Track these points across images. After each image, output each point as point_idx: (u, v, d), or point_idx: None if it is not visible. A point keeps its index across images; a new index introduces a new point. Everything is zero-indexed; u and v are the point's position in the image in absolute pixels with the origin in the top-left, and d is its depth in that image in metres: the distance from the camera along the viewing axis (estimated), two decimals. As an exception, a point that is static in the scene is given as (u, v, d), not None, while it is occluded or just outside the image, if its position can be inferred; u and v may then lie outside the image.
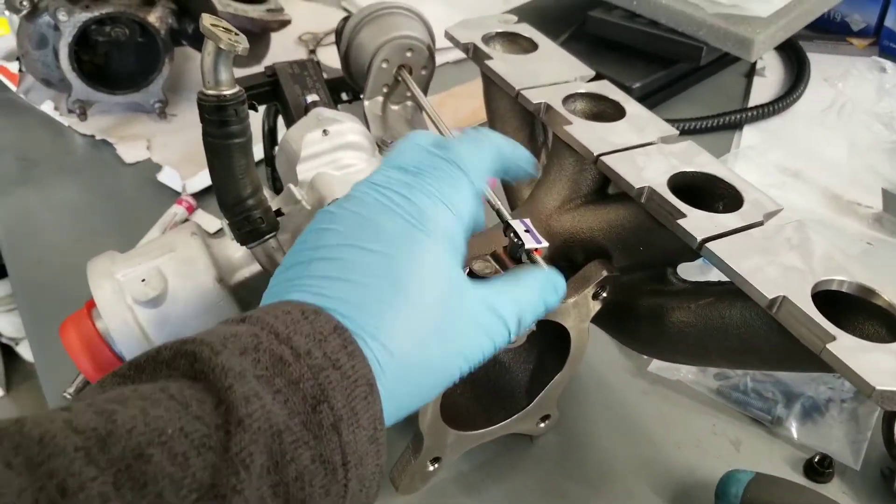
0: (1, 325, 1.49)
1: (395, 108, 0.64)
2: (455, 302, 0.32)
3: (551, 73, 0.53)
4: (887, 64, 0.95)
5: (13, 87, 0.90)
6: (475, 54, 0.56)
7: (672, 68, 0.88)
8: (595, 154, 0.44)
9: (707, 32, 0.83)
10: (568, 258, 0.47)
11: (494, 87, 0.54)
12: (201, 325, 0.45)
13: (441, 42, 0.61)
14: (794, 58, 0.96)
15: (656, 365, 0.57)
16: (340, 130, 0.52)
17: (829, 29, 1.01)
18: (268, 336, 0.27)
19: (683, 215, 0.39)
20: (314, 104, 0.60)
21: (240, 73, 0.64)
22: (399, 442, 0.45)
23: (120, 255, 0.49)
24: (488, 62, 0.54)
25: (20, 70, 0.85)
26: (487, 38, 0.58)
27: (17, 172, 0.81)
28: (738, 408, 0.55)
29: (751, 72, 0.95)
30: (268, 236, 0.42)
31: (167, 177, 0.78)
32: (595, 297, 0.43)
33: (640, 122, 0.48)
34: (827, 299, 0.35)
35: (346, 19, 0.65)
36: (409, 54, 0.61)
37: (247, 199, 0.40)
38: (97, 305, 0.46)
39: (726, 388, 0.55)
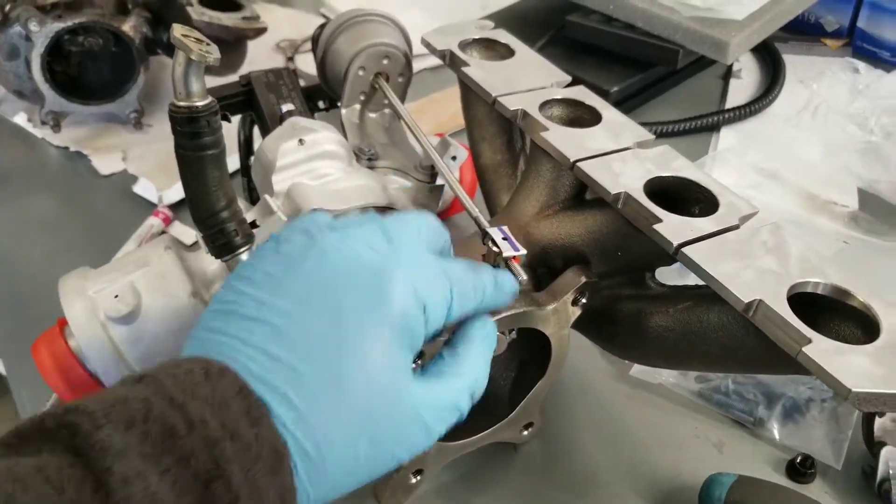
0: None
1: (372, 115, 0.64)
2: (395, 408, 0.30)
3: (528, 79, 0.53)
4: (860, 65, 0.96)
5: (-15, 100, 0.89)
6: (452, 61, 0.56)
7: (649, 72, 0.89)
8: (571, 160, 0.44)
9: (683, 36, 0.84)
10: (547, 264, 0.47)
11: (472, 93, 0.54)
12: (176, 341, 0.44)
13: (419, 49, 0.61)
14: (769, 60, 0.97)
15: (638, 369, 0.57)
16: (316, 140, 0.51)
17: (803, 30, 1.02)
18: (161, 402, 0.25)
19: (660, 220, 0.39)
20: (290, 113, 0.59)
21: (215, 82, 0.63)
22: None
23: (93, 270, 0.48)
24: (465, 69, 0.54)
25: (-8, 82, 0.84)
26: (464, 45, 0.57)
27: (-11, 186, 0.80)
28: (720, 410, 0.55)
29: (727, 74, 0.96)
30: (242, 249, 0.41)
31: (143, 188, 0.77)
32: (574, 303, 0.43)
33: (616, 127, 0.48)
34: (804, 301, 0.35)
35: (322, 26, 0.65)
36: (385, 62, 0.61)
37: (220, 211, 0.40)
38: (69, 323, 0.45)
39: (708, 391, 0.56)
